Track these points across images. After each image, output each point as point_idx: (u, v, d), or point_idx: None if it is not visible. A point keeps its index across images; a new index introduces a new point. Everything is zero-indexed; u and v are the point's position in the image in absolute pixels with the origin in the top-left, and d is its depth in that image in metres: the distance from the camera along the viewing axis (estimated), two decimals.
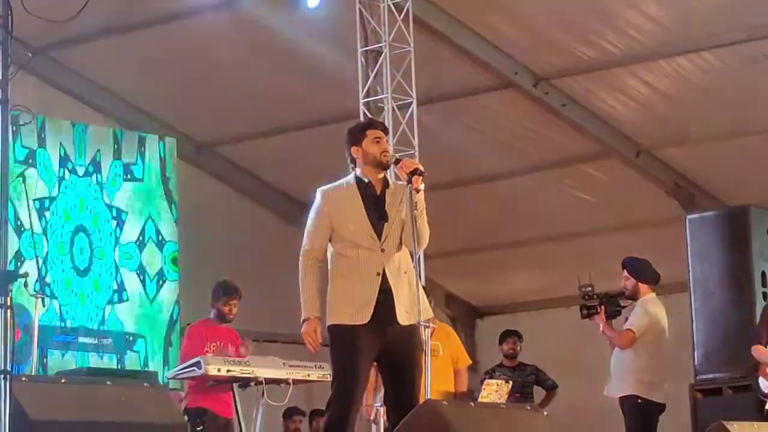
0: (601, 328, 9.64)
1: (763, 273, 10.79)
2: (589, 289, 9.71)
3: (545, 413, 6.59)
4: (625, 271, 9.69)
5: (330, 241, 6.64)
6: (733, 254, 10.64)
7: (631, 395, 9.46)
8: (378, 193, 6.66)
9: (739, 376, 10.15)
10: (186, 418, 8.95)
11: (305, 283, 6.66)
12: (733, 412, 8.98)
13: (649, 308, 9.57)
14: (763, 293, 10.70)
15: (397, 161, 6.64)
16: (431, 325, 6.63)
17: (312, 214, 6.69)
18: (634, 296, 9.66)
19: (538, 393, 11.96)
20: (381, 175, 6.71)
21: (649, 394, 9.43)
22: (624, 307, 9.74)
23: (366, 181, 6.66)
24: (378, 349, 6.52)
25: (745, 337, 9.89)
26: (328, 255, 6.67)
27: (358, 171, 6.69)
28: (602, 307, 9.63)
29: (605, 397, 13.73)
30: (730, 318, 10.61)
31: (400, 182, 6.68)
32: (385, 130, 6.86)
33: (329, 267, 6.68)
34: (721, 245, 10.63)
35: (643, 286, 9.64)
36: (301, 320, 6.63)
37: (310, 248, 6.66)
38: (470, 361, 10.32)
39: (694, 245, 10.80)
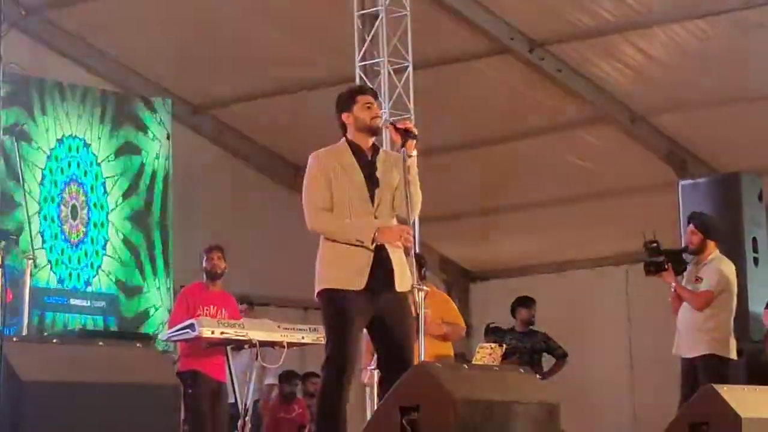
0: (672, 287, 9.34)
1: (754, 239, 10.85)
2: (655, 244, 9.40)
3: (537, 376, 6.62)
4: (692, 225, 9.41)
5: None
6: (725, 220, 10.66)
7: (708, 354, 9.22)
8: (369, 158, 6.61)
9: None
10: None
11: (342, 226, 6.45)
12: None
13: (723, 267, 9.35)
14: (754, 258, 10.76)
15: (391, 124, 6.63)
16: (425, 288, 6.63)
17: (308, 179, 6.58)
18: (698, 252, 9.40)
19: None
20: (371, 142, 6.67)
21: (724, 351, 9.22)
22: (687, 263, 9.46)
23: (357, 145, 6.61)
24: (370, 314, 6.51)
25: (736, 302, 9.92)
26: None
27: (349, 137, 6.64)
28: (669, 264, 9.36)
29: (596, 364, 13.86)
30: None
31: (390, 150, 6.65)
32: (375, 95, 6.80)
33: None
34: (712, 211, 10.65)
35: (710, 243, 9.40)
36: (372, 237, 6.41)
37: (314, 208, 6.49)
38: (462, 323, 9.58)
39: (686, 211, 10.82)
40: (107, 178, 12.30)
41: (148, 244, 12.43)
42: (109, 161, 12.33)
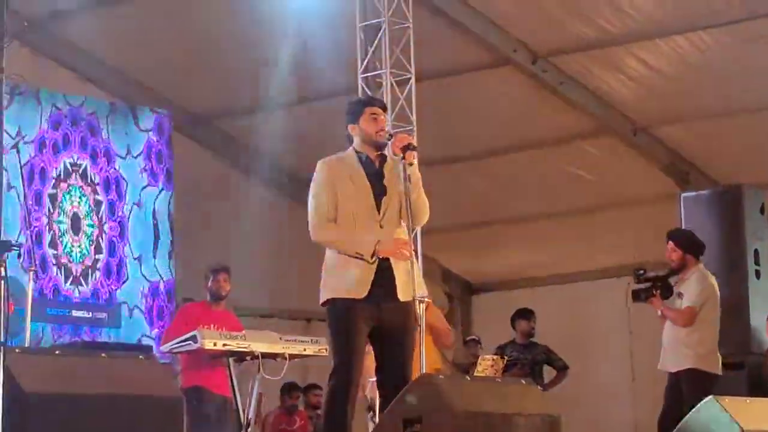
0: (660, 313, 9.48)
1: (756, 251, 10.84)
2: (642, 272, 9.58)
3: (539, 388, 6.62)
4: (671, 243, 9.50)
5: None
6: (727, 232, 10.68)
7: (691, 369, 9.28)
8: (377, 167, 6.67)
9: (732, 353, 10.19)
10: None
11: (344, 239, 6.54)
12: (725, 388, 9.02)
13: (705, 281, 9.42)
14: (756, 271, 10.75)
15: (390, 137, 6.67)
16: (426, 299, 6.64)
17: (315, 187, 6.65)
18: (679, 269, 9.49)
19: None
20: (378, 152, 6.73)
21: (708, 366, 9.29)
22: (673, 285, 9.58)
23: (365, 155, 6.68)
24: (373, 323, 6.54)
25: (738, 315, 9.92)
26: None
27: (356, 147, 6.71)
28: (657, 291, 9.50)
29: (597, 376, 13.85)
30: (722, 295, 10.64)
31: (397, 157, 6.69)
32: (383, 108, 6.85)
33: None
34: (714, 223, 10.66)
35: (690, 258, 9.47)
36: (372, 251, 6.49)
37: (319, 219, 6.58)
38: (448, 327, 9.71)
39: (688, 223, 10.82)
40: (107, 188, 12.21)
41: (154, 254, 12.39)
42: (111, 171, 12.29)
